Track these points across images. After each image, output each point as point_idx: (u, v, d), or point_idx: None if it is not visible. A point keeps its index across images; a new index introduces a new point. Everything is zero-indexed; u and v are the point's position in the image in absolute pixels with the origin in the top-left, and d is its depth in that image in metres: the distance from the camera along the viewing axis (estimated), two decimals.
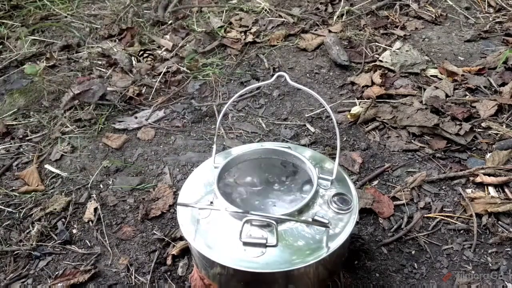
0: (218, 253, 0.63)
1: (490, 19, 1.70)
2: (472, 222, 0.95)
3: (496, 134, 1.17)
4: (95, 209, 1.04)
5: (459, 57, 1.51)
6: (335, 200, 0.68)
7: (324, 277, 0.72)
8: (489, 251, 0.90)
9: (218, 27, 1.70)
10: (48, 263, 0.94)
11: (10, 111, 1.38)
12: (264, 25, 1.73)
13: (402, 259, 0.90)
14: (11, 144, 1.26)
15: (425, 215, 0.98)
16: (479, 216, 0.96)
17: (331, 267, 0.72)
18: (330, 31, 1.64)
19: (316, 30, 1.68)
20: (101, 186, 1.11)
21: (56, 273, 0.92)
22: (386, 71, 1.44)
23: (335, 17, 1.74)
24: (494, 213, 0.96)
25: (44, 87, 1.45)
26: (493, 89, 1.33)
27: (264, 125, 1.27)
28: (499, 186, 1.02)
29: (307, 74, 1.47)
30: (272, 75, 0.65)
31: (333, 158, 0.76)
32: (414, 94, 1.33)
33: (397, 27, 1.68)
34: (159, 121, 1.31)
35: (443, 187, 1.04)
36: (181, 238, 0.95)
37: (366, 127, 1.23)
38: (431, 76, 1.42)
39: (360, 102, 1.32)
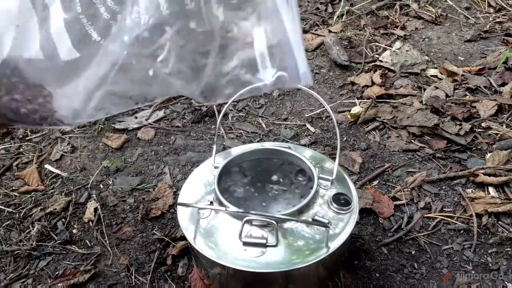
0: (218, 253, 0.63)
1: (490, 19, 1.70)
2: (472, 222, 0.95)
3: (496, 134, 1.17)
4: (95, 209, 1.04)
5: (459, 57, 1.51)
6: (335, 200, 0.68)
7: (324, 277, 0.71)
8: (489, 251, 0.90)
9: None
10: (48, 263, 0.94)
11: None
12: None
13: (402, 259, 0.90)
14: (11, 144, 1.26)
15: (425, 215, 0.98)
16: (479, 216, 0.96)
17: (331, 267, 0.72)
18: (330, 31, 1.64)
19: (316, 30, 1.68)
20: (101, 186, 1.11)
21: (56, 273, 0.92)
22: (386, 71, 1.44)
23: (335, 17, 1.74)
24: (494, 213, 0.96)
25: None
26: (493, 89, 1.33)
27: (264, 125, 1.27)
28: (499, 186, 1.02)
29: None
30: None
31: (333, 158, 0.76)
32: (414, 94, 1.33)
33: (397, 27, 1.68)
34: (159, 121, 1.31)
35: (443, 187, 1.04)
36: (181, 238, 0.95)
37: (366, 127, 1.23)
38: (431, 76, 1.42)
39: (360, 102, 1.32)
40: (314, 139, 1.20)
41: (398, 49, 1.52)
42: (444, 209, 1.00)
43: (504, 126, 1.19)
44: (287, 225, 0.65)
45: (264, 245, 0.61)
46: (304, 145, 1.17)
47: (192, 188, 0.74)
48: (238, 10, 0.41)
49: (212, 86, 0.47)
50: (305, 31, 1.67)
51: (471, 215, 0.96)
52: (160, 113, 1.32)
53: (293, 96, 1.37)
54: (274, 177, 0.84)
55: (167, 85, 0.45)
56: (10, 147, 1.25)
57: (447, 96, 1.30)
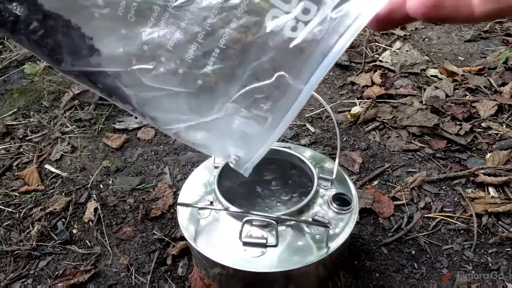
0: (218, 253, 0.63)
1: None
2: (472, 222, 0.95)
3: (496, 134, 1.17)
4: (95, 209, 1.04)
5: (459, 57, 1.51)
6: (335, 200, 0.68)
7: (324, 277, 0.71)
8: (489, 251, 0.90)
9: None
10: (48, 263, 0.94)
11: (10, 111, 1.38)
12: None
13: (402, 259, 0.90)
14: (11, 144, 1.26)
15: (425, 215, 0.98)
16: (479, 216, 0.96)
17: (331, 267, 0.72)
18: None
19: None
20: (101, 186, 1.11)
21: (56, 273, 0.92)
22: (386, 71, 1.44)
23: None
24: (494, 213, 0.96)
25: (44, 87, 1.45)
26: (493, 89, 1.33)
27: None
28: (499, 186, 1.02)
29: None
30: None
31: (333, 158, 0.76)
32: (414, 94, 1.33)
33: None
34: None
35: (443, 187, 1.04)
36: (181, 238, 0.95)
37: (366, 127, 1.23)
38: (431, 76, 1.42)
39: (360, 102, 1.32)
40: (314, 139, 1.20)
41: (398, 49, 1.53)
42: (444, 209, 0.99)
43: (504, 126, 1.19)
44: (287, 225, 0.65)
45: (264, 245, 0.61)
46: (304, 145, 1.17)
47: (192, 188, 0.74)
48: (250, 119, 0.39)
49: None
50: None
51: (471, 215, 0.96)
52: None
53: None
54: (274, 177, 0.84)
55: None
56: (10, 147, 1.25)
57: (447, 96, 1.30)
